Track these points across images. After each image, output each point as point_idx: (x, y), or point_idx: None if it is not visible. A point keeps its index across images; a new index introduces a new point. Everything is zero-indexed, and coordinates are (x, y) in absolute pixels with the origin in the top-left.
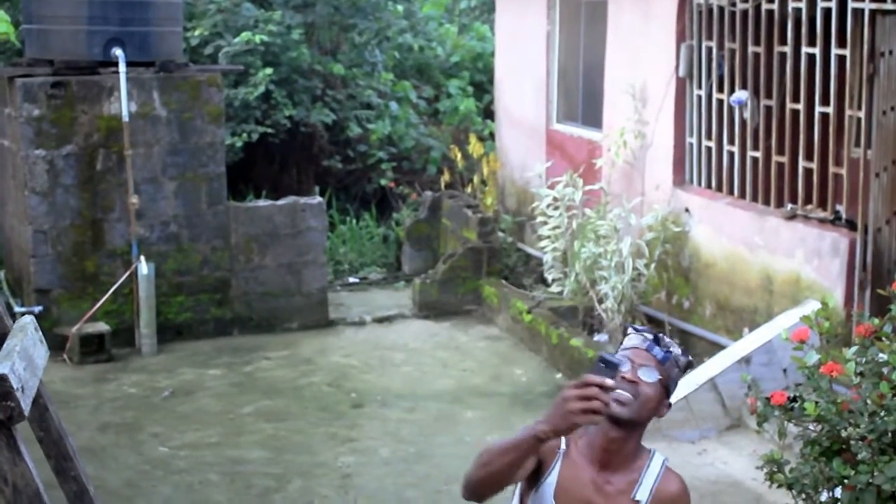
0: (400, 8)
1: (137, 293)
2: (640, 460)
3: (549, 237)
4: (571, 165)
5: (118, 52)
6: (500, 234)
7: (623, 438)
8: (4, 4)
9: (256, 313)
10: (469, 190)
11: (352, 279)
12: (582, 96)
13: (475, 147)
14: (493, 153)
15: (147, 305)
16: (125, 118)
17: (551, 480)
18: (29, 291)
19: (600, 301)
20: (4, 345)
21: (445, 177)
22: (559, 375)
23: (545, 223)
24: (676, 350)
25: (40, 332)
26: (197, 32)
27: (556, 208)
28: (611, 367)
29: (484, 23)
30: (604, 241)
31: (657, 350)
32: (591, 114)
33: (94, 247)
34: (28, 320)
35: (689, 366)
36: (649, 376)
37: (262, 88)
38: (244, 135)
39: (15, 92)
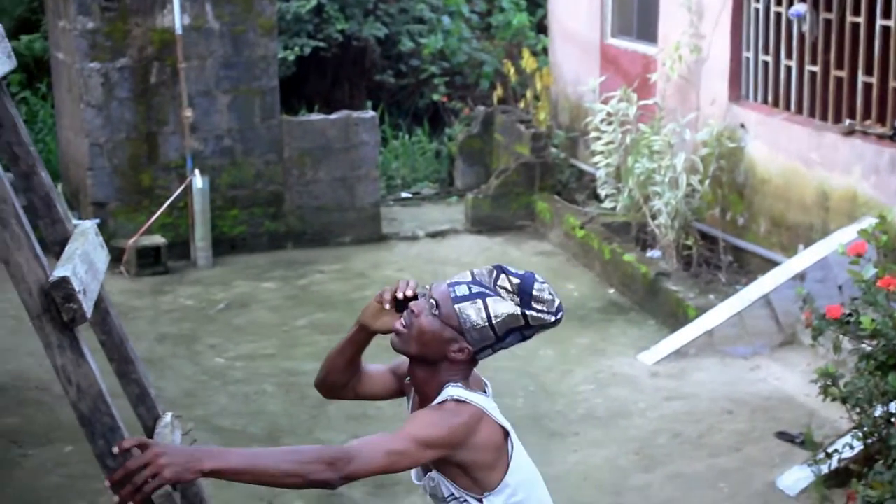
0: None
1: (192, 206)
2: (436, 397)
3: (602, 152)
4: (625, 80)
5: None
6: (553, 149)
7: (417, 374)
8: None
9: (310, 227)
10: (522, 105)
11: (404, 194)
12: (637, 10)
13: (528, 62)
14: (547, 68)
15: (202, 219)
16: (178, 31)
17: (406, 412)
18: (86, 204)
19: (653, 217)
20: (66, 249)
21: (498, 92)
22: (612, 291)
23: (598, 138)
24: (491, 296)
25: (101, 237)
26: None
27: (610, 123)
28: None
29: None
30: (658, 156)
31: (459, 288)
32: (646, 28)
33: (149, 160)
34: (89, 225)
35: (520, 319)
36: (428, 311)
37: (314, 2)
38: (296, 49)
39: (69, 4)
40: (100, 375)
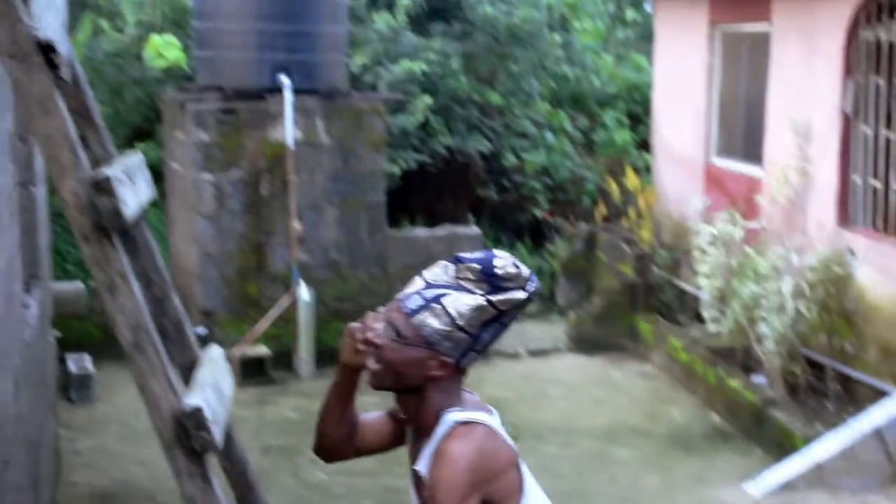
0: (557, 38)
1: (298, 318)
2: (435, 427)
3: (706, 274)
4: (730, 201)
5: (285, 79)
6: (656, 269)
7: (407, 405)
8: (176, 31)
9: None
10: (625, 223)
11: None
12: (742, 130)
13: (631, 180)
14: (650, 186)
15: (307, 330)
16: (290, 145)
17: (407, 452)
18: (194, 312)
19: (759, 341)
20: (196, 376)
21: (601, 209)
22: (716, 417)
23: (703, 260)
24: (453, 294)
25: (226, 362)
26: (358, 60)
27: (714, 245)
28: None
29: (640, 53)
30: (763, 280)
31: (412, 300)
32: (751, 149)
33: (257, 270)
34: (218, 352)
35: (494, 307)
36: (384, 335)
37: (420, 117)
38: (402, 162)
39: (186, 117)
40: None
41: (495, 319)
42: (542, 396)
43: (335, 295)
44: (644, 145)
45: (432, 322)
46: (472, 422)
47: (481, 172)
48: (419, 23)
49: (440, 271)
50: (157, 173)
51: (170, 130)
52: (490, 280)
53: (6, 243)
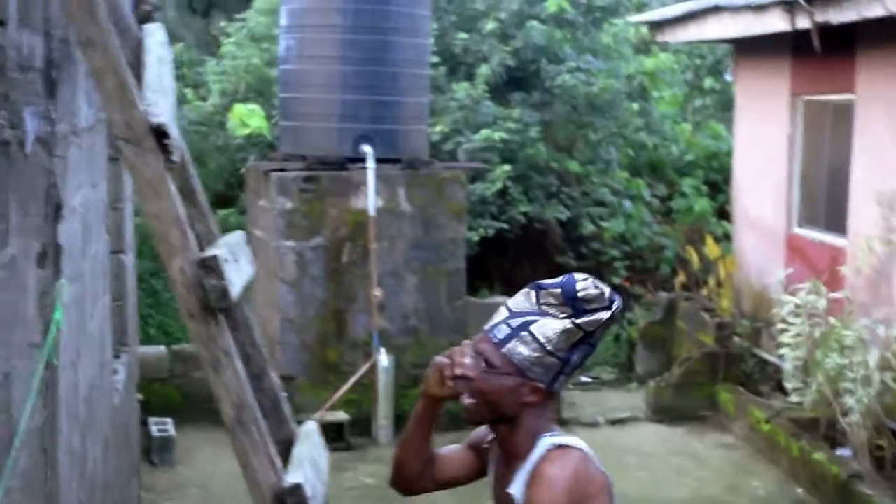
0: (636, 106)
1: (377, 384)
2: (530, 451)
3: (789, 345)
4: (812, 271)
5: (367, 148)
6: (737, 338)
7: (500, 432)
8: (259, 100)
9: None
10: (705, 292)
11: (584, 378)
12: (826, 201)
13: (711, 248)
14: (730, 255)
15: (386, 397)
16: (372, 213)
17: (489, 480)
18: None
19: (844, 414)
20: (294, 452)
21: (680, 277)
22: (800, 491)
23: (785, 330)
24: (538, 321)
25: (322, 438)
26: (437, 129)
27: (798, 315)
28: None
29: (719, 121)
30: (849, 351)
31: (499, 330)
32: (834, 219)
33: (337, 337)
34: (313, 427)
35: (573, 333)
36: (480, 370)
37: (499, 185)
38: (481, 230)
39: (270, 185)
40: None
41: (583, 341)
42: (622, 467)
43: (414, 361)
44: (723, 213)
45: (522, 349)
46: (568, 446)
47: (559, 240)
48: (498, 92)
49: (522, 299)
50: None
51: (253, 198)
52: (573, 303)
53: (100, 311)
